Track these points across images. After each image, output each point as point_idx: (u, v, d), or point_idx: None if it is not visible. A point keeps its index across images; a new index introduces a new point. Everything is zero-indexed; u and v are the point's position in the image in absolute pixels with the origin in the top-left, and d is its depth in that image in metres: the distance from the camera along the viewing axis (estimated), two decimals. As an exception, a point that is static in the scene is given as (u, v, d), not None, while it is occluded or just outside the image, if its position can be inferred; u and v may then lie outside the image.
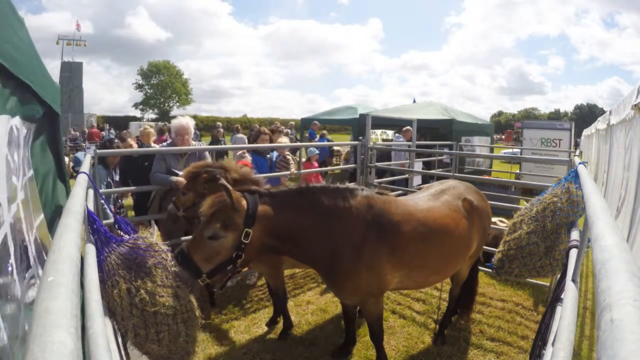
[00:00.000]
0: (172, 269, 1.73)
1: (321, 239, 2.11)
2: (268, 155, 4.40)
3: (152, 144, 5.19)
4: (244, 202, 1.96)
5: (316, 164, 6.01)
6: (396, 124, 7.99)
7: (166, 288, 1.65)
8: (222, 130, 10.50)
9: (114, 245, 1.62)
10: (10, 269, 1.16)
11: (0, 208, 1.09)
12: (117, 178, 4.19)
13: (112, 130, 24.49)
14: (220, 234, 1.88)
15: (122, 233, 1.90)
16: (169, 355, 1.67)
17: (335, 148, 12.29)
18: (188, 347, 1.73)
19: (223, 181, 1.93)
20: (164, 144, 4.10)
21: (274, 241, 2.06)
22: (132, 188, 4.34)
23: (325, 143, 9.65)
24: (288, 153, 4.31)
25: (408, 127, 7.27)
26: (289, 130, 10.67)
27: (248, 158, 4.08)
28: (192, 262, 1.84)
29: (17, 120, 1.53)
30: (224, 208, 1.90)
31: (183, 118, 3.58)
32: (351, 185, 2.30)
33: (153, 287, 1.60)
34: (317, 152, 6.06)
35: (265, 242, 2.03)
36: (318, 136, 11.91)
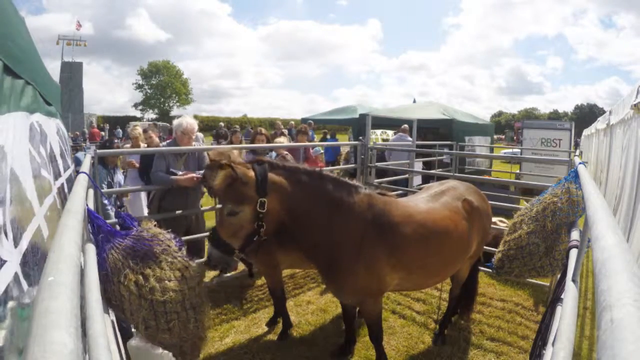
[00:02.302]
0: (177, 254, 1.76)
1: (323, 229, 2.13)
2: (267, 155, 4.39)
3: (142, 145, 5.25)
4: (251, 173, 1.98)
5: (322, 164, 5.99)
6: (396, 124, 7.98)
7: (174, 271, 1.68)
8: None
9: (119, 240, 1.63)
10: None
11: (28, 201, 1.10)
12: (117, 177, 4.20)
13: (119, 130, 24.54)
14: (236, 210, 1.95)
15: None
16: (181, 343, 1.69)
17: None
18: (199, 333, 1.75)
19: (225, 159, 1.96)
20: (164, 143, 4.09)
21: (287, 216, 2.08)
22: (132, 188, 4.35)
23: (328, 143, 9.66)
24: (286, 153, 4.30)
25: (405, 125, 7.32)
26: (286, 130, 10.65)
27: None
28: (223, 242, 1.95)
29: (37, 117, 1.54)
30: (232, 183, 1.93)
31: (190, 118, 3.55)
32: (356, 182, 2.32)
33: (161, 273, 1.63)
34: (322, 151, 6.05)
35: (282, 215, 2.06)
36: (322, 136, 11.95)
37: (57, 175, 1.70)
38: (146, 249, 1.64)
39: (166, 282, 1.62)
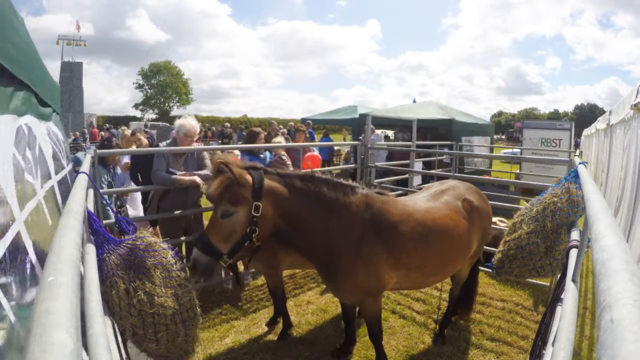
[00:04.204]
0: (173, 268, 1.73)
1: (320, 230, 2.13)
2: (262, 156, 4.37)
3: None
4: (249, 177, 2.01)
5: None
6: (396, 124, 7.97)
7: (165, 288, 1.65)
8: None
9: (113, 246, 1.62)
10: (28, 265, 1.15)
11: (8, 206, 1.09)
12: (117, 175, 4.19)
13: (117, 130, 24.66)
14: (231, 210, 1.94)
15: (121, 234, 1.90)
16: (167, 354, 1.67)
17: (335, 148, 12.31)
18: (187, 347, 1.73)
19: (223, 159, 1.95)
20: (164, 143, 4.08)
21: (281, 222, 2.09)
22: (132, 188, 4.35)
23: (327, 143, 9.67)
24: (284, 153, 4.29)
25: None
26: (285, 130, 10.67)
27: (235, 153, 3.97)
28: (212, 245, 1.91)
29: (27, 119, 1.53)
30: (229, 185, 1.94)
31: (192, 120, 3.52)
32: (353, 183, 2.32)
33: (151, 288, 1.60)
34: (316, 152, 6.11)
35: (276, 220, 2.07)
36: (322, 136, 11.99)
37: (45, 178, 1.69)
38: (138, 260, 1.62)
39: (156, 297, 1.58)
